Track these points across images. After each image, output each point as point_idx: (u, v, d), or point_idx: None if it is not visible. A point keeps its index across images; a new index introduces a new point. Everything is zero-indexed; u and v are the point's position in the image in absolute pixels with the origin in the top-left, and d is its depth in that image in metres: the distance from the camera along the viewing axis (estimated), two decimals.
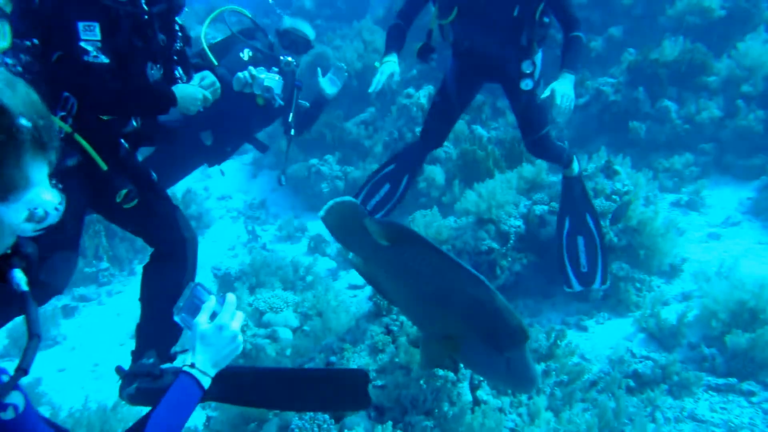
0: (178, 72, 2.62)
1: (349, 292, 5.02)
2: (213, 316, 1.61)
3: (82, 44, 2.15)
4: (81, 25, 2.14)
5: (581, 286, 3.88)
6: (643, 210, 4.34)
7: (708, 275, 4.10)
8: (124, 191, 2.35)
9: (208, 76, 2.73)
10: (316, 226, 6.39)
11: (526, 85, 3.53)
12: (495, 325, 2.10)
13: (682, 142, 5.75)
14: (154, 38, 2.42)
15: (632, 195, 4.36)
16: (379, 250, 2.37)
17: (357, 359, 2.86)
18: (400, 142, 6.12)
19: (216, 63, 3.89)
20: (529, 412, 2.99)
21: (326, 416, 2.37)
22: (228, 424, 2.64)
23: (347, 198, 2.49)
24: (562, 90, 3.25)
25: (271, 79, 3.92)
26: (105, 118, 2.34)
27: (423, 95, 6.22)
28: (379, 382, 2.72)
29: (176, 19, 2.56)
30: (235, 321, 1.62)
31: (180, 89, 2.50)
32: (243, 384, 2.28)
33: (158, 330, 2.46)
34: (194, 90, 2.57)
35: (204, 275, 5.52)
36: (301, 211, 6.84)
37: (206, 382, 1.56)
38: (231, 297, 1.64)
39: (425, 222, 4.36)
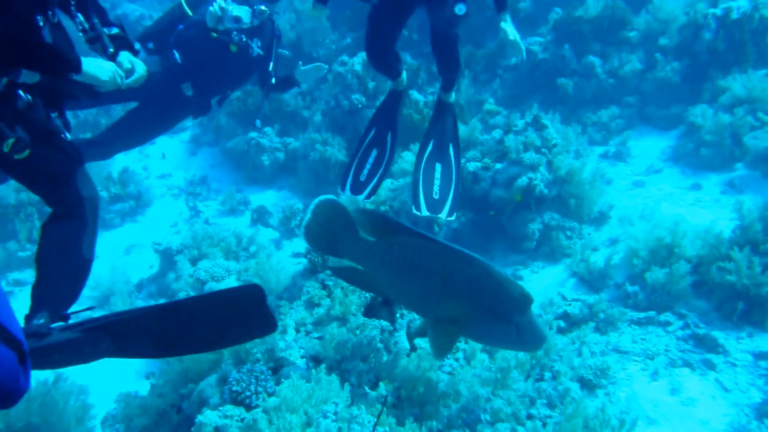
0: (81, 22, 2.49)
1: (293, 260, 5.06)
2: None
3: None
4: None
5: (428, 212, 3.70)
6: (571, 161, 4.52)
7: (632, 219, 4.32)
8: (11, 140, 2.19)
9: (136, 63, 2.63)
10: (259, 199, 6.36)
11: (460, 9, 3.54)
12: (498, 297, 2.12)
13: (608, 96, 5.97)
14: None
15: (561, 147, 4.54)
16: (369, 248, 2.38)
17: (294, 314, 2.94)
18: (337, 110, 6.13)
19: (191, 14, 4.28)
20: (466, 356, 3.13)
21: (263, 367, 2.43)
22: (170, 385, 2.67)
23: (328, 196, 2.50)
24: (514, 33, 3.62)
25: (239, 9, 4.23)
26: None
27: (357, 62, 6.21)
28: (315, 334, 2.80)
29: None
30: None
31: (91, 61, 2.36)
32: (132, 331, 2.18)
33: (53, 290, 2.38)
34: (106, 66, 2.41)
35: (145, 252, 5.46)
36: (244, 185, 6.79)
37: None
38: None
39: None
